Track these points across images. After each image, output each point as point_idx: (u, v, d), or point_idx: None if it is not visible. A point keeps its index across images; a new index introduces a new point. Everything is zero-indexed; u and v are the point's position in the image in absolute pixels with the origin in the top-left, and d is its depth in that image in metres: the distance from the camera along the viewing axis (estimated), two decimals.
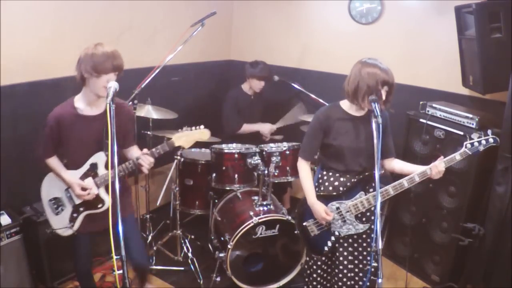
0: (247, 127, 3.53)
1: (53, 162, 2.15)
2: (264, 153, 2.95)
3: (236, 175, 2.98)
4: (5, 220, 2.41)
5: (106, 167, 2.09)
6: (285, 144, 2.98)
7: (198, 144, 3.16)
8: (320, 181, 2.32)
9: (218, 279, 2.91)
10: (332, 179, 2.27)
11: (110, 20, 3.04)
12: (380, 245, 1.71)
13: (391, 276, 3.16)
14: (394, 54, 3.34)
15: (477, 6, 2.45)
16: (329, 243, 2.27)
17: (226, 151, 2.96)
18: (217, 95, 3.96)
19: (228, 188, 3.04)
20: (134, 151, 2.27)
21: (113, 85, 1.83)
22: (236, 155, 2.96)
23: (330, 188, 2.27)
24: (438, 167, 2.05)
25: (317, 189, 2.31)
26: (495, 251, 2.56)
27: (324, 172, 2.31)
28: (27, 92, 2.60)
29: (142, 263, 2.39)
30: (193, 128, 2.13)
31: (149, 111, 3.01)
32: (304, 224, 2.31)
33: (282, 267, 2.93)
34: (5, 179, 2.53)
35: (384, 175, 2.53)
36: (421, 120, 2.96)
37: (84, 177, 2.12)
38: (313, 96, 3.61)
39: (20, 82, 2.56)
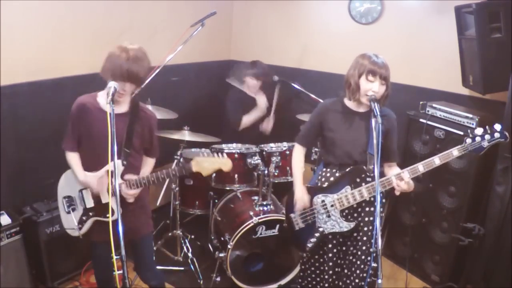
0: (247, 119, 3.46)
1: (74, 158, 2.09)
2: (264, 153, 2.95)
3: (236, 175, 2.98)
4: (5, 220, 2.41)
5: (122, 176, 2.03)
6: (285, 144, 2.98)
7: (198, 144, 3.19)
8: (320, 177, 2.32)
9: (218, 279, 2.91)
10: (328, 174, 2.27)
11: (110, 20, 3.03)
12: (380, 245, 1.70)
13: (391, 276, 3.16)
14: (394, 54, 3.32)
15: (477, 6, 2.45)
16: (313, 240, 2.23)
17: (226, 151, 2.96)
18: (217, 95, 3.95)
19: (228, 188, 3.04)
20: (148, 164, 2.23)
21: (113, 85, 1.83)
22: (236, 155, 2.96)
23: (326, 183, 2.26)
24: (401, 177, 1.98)
25: (319, 184, 2.31)
26: (495, 251, 2.56)
27: (324, 169, 2.32)
28: (27, 92, 2.60)
29: (156, 282, 2.35)
30: (215, 155, 1.97)
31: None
32: (290, 215, 2.31)
33: (282, 267, 2.93)
34: (5, 179, 2.53)
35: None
36: (421, 120, 2.96)
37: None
38: (313, 96, 3.61)
39: (20, 82, 2.55)
